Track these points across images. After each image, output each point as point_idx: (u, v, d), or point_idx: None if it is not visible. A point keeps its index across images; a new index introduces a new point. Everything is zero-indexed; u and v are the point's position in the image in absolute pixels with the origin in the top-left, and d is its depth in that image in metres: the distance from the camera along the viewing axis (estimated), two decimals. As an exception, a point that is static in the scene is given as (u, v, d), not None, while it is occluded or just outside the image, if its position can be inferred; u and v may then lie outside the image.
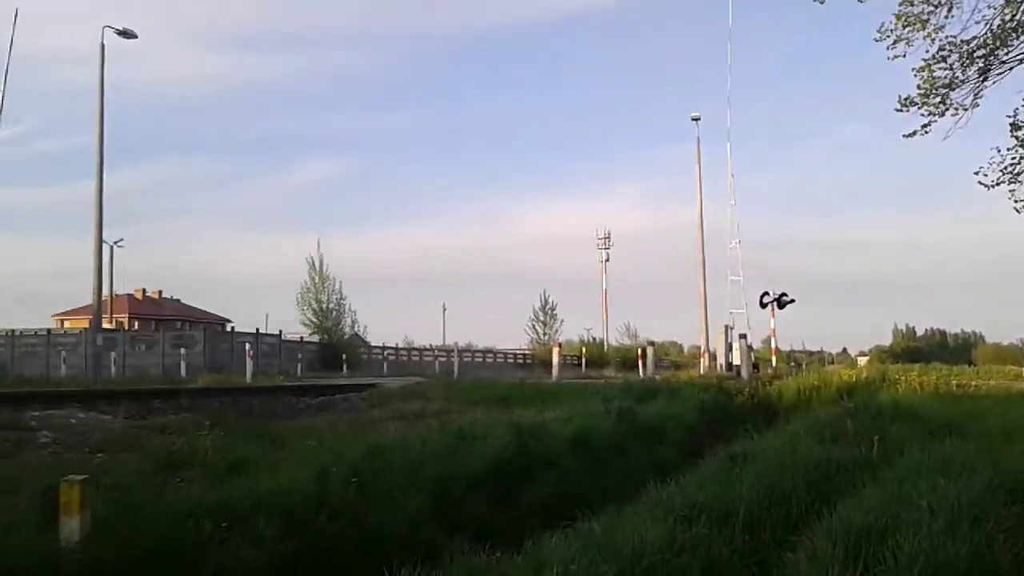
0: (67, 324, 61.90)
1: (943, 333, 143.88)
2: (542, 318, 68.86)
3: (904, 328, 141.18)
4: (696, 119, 42.32)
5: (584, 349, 56.34)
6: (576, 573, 4.69)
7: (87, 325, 40.50)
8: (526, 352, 66.33)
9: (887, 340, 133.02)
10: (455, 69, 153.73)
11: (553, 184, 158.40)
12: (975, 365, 53.03)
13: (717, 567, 5.40)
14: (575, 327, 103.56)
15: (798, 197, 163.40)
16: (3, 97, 27.92)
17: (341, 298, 50.68)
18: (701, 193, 42.20)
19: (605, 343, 69.14)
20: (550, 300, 69.42)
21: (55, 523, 5.75)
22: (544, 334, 67.69)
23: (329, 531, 6.97)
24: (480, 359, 59.05)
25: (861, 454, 9.27)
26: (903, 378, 19.43)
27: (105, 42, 29.10)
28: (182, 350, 35.04)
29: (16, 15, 28.03)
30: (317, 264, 50.24)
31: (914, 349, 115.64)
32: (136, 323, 68.91)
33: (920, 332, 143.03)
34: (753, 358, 31.05)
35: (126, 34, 29.49)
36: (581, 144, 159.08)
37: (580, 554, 5.18)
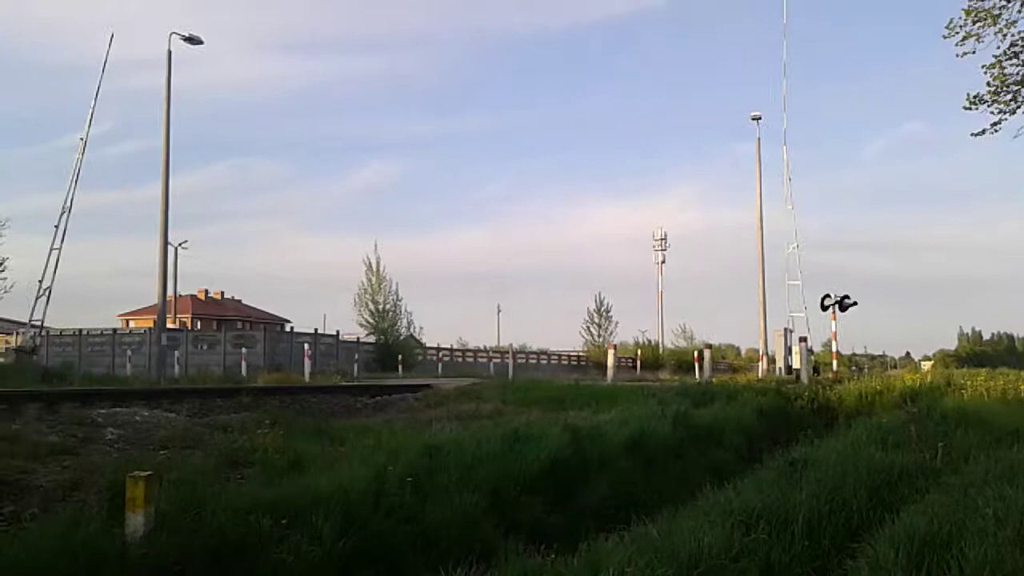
0: (132, 324, 63.50)
1: (1011, 337, 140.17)
2: (597, 320, 68.43)
3: (970, 332, 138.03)
4: (756, 118, 41.74)
5: (639, 351, 56.02)
6: (632, 576, 4.66)
7: (151, 325, 41.54)
8: (580, 354, 66.12)
9: (952, 344, 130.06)
10: (510, 72, 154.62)
11: (609, 185, 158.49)
12: (1045, 370, 51.53)
13: (775, 573, 5.32)
14: (630, 329, 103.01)
15: (860, 197, 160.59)
16: (93, 110, 29.12)
17: (397, 299, 51.09)
18: (761, 193, 41.64)
19: (660, 345, 68.66)
20: (605, 301, 69.00)
21: (121, 517, 5.90)
22: (599, 336, 67.25)
23: (386, 529, 7.04)
24: (534, 360, 59.05)
25: (925, 460, 9.08)
26: (969, 383, 18.92)
27: (172, 48, 29.81)
28: (243, 350, 35.69)
29: (111, 38, 29.25)
30: (374, 265, 50.74)
31: (980, 353, 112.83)
32: (199, 323, 70.46)
33: (987, 336, 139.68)
34: (813, 362, 30.58)
35: (192, 40, 30.13)
36: (637, 145, 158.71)
37: (636, 557, 5.15)
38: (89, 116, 29.84)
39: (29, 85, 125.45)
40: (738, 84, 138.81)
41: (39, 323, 33.55)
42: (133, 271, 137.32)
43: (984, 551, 4.91)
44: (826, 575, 5.43)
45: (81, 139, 32.40)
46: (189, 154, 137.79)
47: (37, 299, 32.54)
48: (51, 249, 32.52)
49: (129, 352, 37.03)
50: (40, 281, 32.88)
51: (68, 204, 32.44)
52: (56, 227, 32.43)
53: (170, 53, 29.70)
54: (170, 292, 47.16)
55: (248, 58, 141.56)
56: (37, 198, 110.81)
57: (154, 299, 31.44)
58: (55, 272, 32.56)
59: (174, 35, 29.69)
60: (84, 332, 43.33)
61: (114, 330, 46.28)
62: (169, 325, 41.74)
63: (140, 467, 6.33)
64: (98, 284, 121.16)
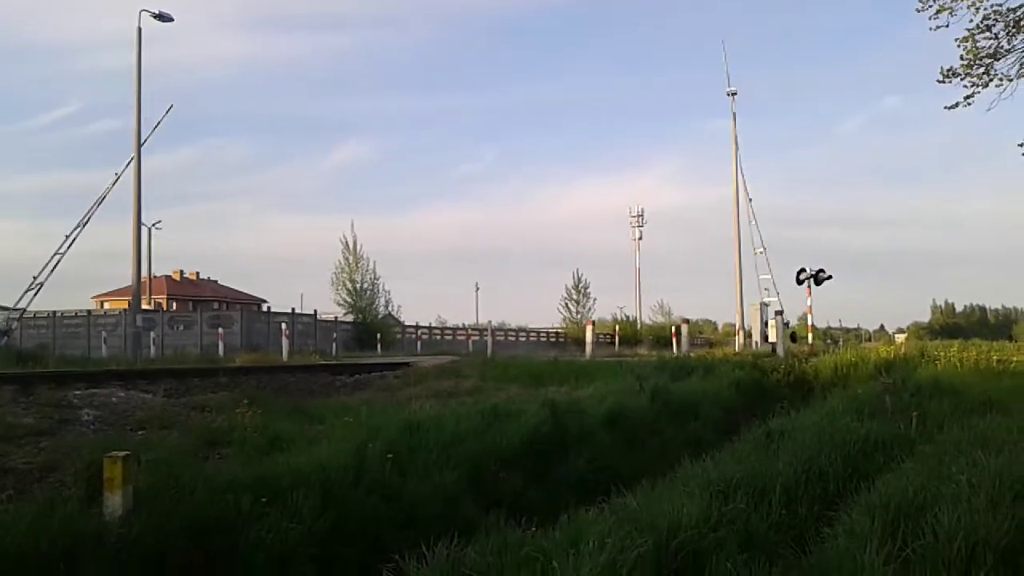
0: (107, 305, 63.00)
1: (983, 309, 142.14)
2: (575, 296, 68.45)
3: (943, 304, 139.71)
4: (732, 94, 41.72)
5: (617, 327, 55.99)
6: (612, 547, 4.68)
7: (126, 306, 41.16)
8: (559, 331, 66.20)
9: (925, 317, 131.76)
10: (488, 50, 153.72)
11: (586, 162, 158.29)
12: (1016, 341, 52.15)
13: (754, 542, 5.37)
14: (608, 305, 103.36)
15: (835, 172, 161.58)
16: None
17: (375, 278, 51.02)
18: (737, 169, 41.69)
19: (638, 321, 68.74)
20: (583, 278, 69.01)
21: (99, 498, 5.86)
22: (577, 312, 67.31)
23: (366, 506, 7.05)
24: (513, 338, 59.10)
25: (900, 430, 9.19)
26: (942, 354, 19.12)
27: (142, 26, 29.34)
28: (219, 330, 35.46)
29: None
30: (351, 244, 50.57)
31: (953, 325, 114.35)
32: (174, 304, 69.86)
33: (959, 308, 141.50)
34: (792, 330, 30.96)
35: (162, 17, 29.66)
36: (615, 122, 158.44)
37: (615, 528, 5.18)
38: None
39: (6, 65, 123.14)
40: (716, 60, 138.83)
41: (20, 310, 33.87)
42: (108, 253, 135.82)
43: (958, 517, 4.98)
44: (804, 543, 5.48)
45: (116, 174, 33.58)
46: (161, 134, 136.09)
47: (27, 291, 33.34)
48: (55, 254, 33.71)
49: (104, 334, 36.68)
50: (35, 277, 34.06)
51: (85, 220, 33.81)
52: (68, 236, 33.76)
53: (140, 31, 29.32)
54: (145, 273, 46.71)
55: (220, 36, 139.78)
56: (8, 179, 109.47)
57: (129, 280, 31.16)
58: (51, 272, 33.69)
59: (144, 12, 29.25)
60: (59, 314, 42.87)
61: (89, 312, 45.87)
62: (144, 306, 41.43)
63: (117, 448, 6.28)
64: (72, 265, 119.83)
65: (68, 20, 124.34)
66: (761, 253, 38.52)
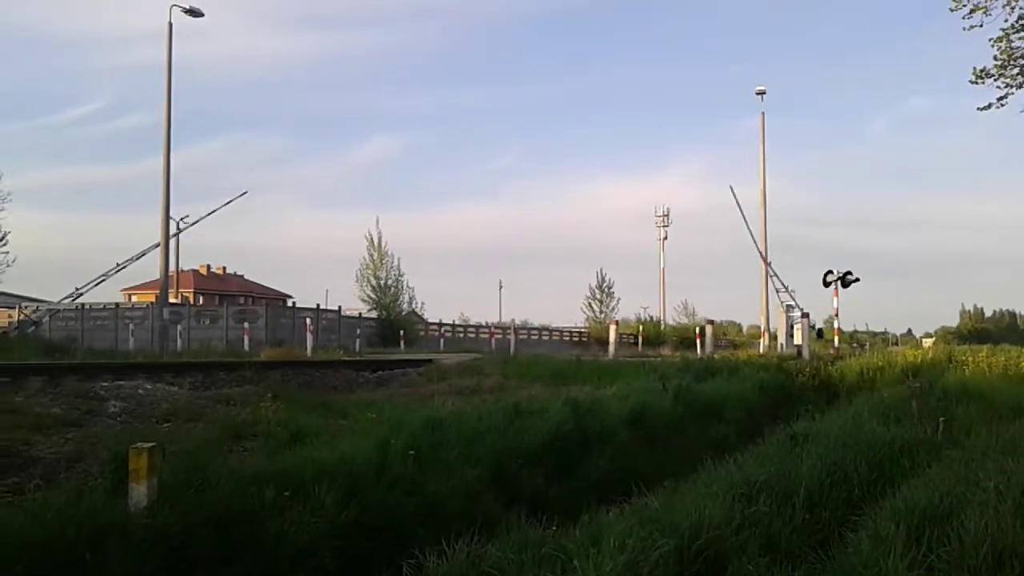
0: (135, 298, 63.57)
1: (1013, 315, 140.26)
2: (598, 296, 68.41)
3: (972, 309, 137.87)
4: (761, 93, 41.47)
5: (641, 327, 55.94)
6: (633, 547, 4.67)
7: (154, 299, 41.55)
8: (582, 330, 66.15)
9: (954, 321, 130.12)
10: (515, 47, 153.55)
11: (614, 161, 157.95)
12: (1046, 347, 51.45)
13: (777, 545, 5.34)
14: (632, 305, 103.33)
15: (864, 173, 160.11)
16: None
17: (399, 275, 51.13)
18: (764, 169, 41.46)
19: (662, 322, 68.62)
20: (607, 278, 68.93)
21: (124, 488, 5.92)
22: (600, 312, 67.26)
23: (388, 501, 7.07)
24: (536, 336, 59.08)
25: (926, 435, 9.09)
26: (970, 359, 18.90)
27: (173, 21, 29.59)
28: (245, 324, 35.73)
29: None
30: (376, 241, 50.71)
31: (982, 330, 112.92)
32: (201, 298, 70.48)
33: (988, 313, 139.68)
34: (817, 329, 30.77)
35: (193, 13, 29.93)
36: (642, 121, 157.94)
37: (637, 528, 5.16)
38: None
39: (31, 58, 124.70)
40: (744, 59, 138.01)
41: (55, 308, 35.24)
42: (137, 246, 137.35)
43: (984, 524, 4.92)
44: (827, 547, 5.43)
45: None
46: (190, 129, 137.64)
47: (68, 297, 35.12)
48: (102, 276, 37.47)
49: (132, 326, 37.01)
50: (78, 288, 38.09)
51: (138, 256, 36.75)
52: (119, 264, 38.28)
53: (171, 25, 29.54)
54: (172, 267, 47.13)
55: (250, 31, 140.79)
56: (38, 172, 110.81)
57: (157, 274, 31.46)
58: (94, 286, 37.06)
59: (175, 7, 29.51)
60: (87, 307, 43.35)
61: (117, 304, 46.29)
62: (172, 300, 41.79)
63: (143, 439, 6.33)
64: (102, 258, 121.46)
65: (99, 14, 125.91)
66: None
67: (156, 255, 30.59)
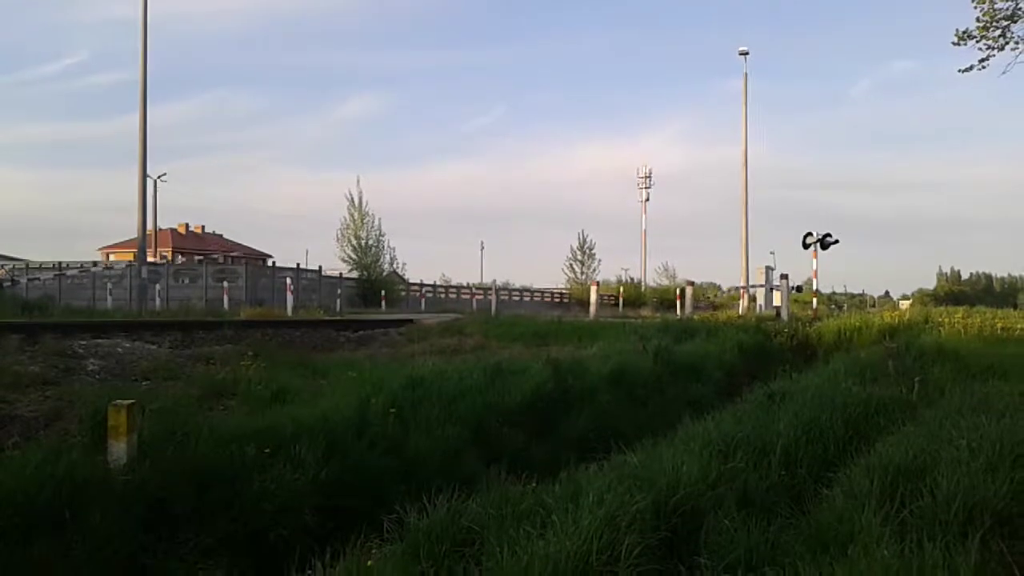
0: (112, 257, 63.10)
1: (989, 277, 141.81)
2: (580, 257, 68.59)
3: (949, 271, 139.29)
4: (744, 54, 41.37)
5: (622, 289, 56.07)
6: (611, 502, 4.72)
7: (132, 258, 41.20)
8: (563, 291, 66.34)
9: (931, 283, 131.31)
10: (500, 6, 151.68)
11: (596, 123, 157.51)
12: (1021, 309, 51.97)
13: (753, 500, 5.41)
14: (613, 267, 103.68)
15: (844, 135, 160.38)
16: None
17: (380, 235, 50.87)
18: (747, 130, 41.43)
19: (643, 283, 68.86)
20: (588, 239, 69.06)
21: (103, 446, 5.91)
22: (582, 273, 67.51)
23: (369, 459, 7.11)
24: (517, 297, 59.25)
25: (902, 394, 9.19)
26: (946, 321, 19.08)
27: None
28: (224, 284, 35.51)
29: None
30: (356, 200, 50.35)
31: (958, 293, 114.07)
32: (180, 257, 69.96)
33: (965, 276, 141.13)
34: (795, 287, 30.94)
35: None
36: (625, 82, 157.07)
37: (615, 484, 5.22)
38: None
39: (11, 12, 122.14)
40: (728, 20, 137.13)
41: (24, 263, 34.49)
42: (114, 205, 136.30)
43: (957, 480, 5.00)
44: (802, 503, 5.51)
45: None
46: (169, 85, 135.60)
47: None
48: None
49: (109, 285, 36.75)
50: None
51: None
52: None
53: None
54: (150, 226, 46.72)
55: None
56: (21, 129, 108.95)
57: (134, 233, 31.12)
58: None
59: (150, -40, 28.78)
60: (64, 264, 42.95)
61: (94, 263, 45.92)
62: (150, 259, 41.45)
63: (122, 397, 6.32)
64: (78, 216, 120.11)
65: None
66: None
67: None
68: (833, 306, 47.37)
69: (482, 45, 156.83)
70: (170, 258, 64.68)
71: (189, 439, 6.37)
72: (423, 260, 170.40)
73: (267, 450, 6.50)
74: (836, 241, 30.40)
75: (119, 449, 5.82)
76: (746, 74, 41.68)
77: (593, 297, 28.75)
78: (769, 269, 33.76)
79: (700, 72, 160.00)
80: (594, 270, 67.94)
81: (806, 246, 30.45)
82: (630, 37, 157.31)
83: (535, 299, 61.10)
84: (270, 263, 56.99)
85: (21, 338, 11.53)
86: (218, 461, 6.21)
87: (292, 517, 6.07)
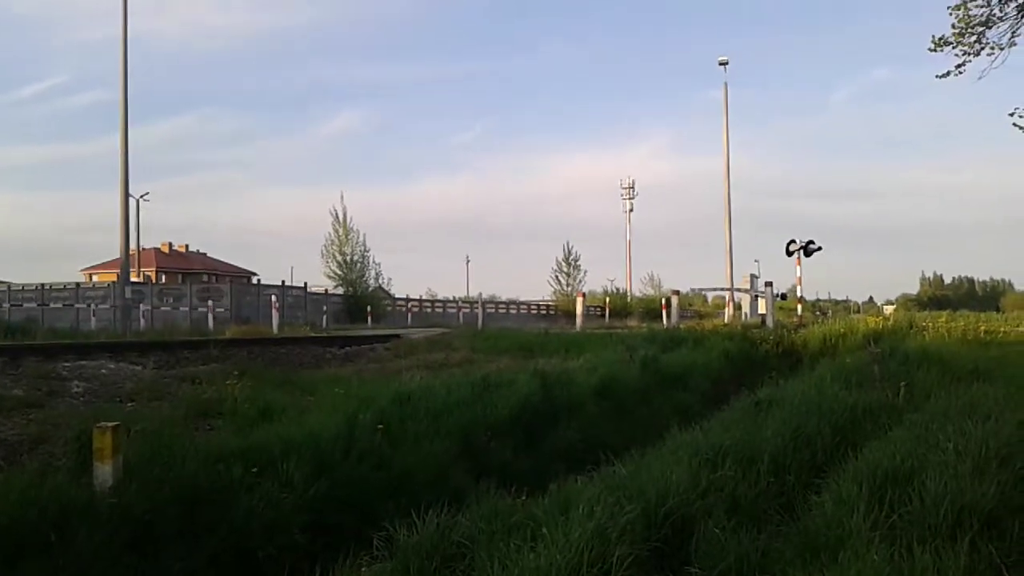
0: (96, 278, 62.62)
1: (971, 281, 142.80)
2: (565, 269, 68.55)
3: (931, 276, 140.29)
4: (724, 63, 41.62)
5: (608, 300, 56.14)
6: (601, 514, 4.72)
7: (115, 279, 40.94)
8: (549, 303, 66.32)
9: (914, 289, 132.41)
10: (480, 19, 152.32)
11: (580, 135, 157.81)
12: (1003, 312, 52.39)
13: (742, 508, 5.42)
14: (599, 278, 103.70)
15: (825, 143, 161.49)
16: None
17: (365, 250, 50.85)
18: (728, 139, 41.67)
19: (629, 294, 69.01)
20: (573, 251, 69.07)
21: (89, 468, 5.86)
22: (567, 285, 67.46)
23: (357, 475, 7.07)
24: (504, 310, 59.20)
25: (887, 399, 9.24)
26: (930, 325, 19.24)
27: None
28: (209, 303, 35.22)
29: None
30: (341, 217, 50.32)
31: (942, 297, 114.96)
32: (163, 276, 69.63)
33: (948, 280, 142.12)
34: (780, 293, 31.08)
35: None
36: (608, 94, 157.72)
37: (605, 495, 5.22)
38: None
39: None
40: (708, 30, 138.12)
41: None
42: (97, 226, 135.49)
43: (944, 483, 5.02)
44: (792, 510, 5.52)
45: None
46: (152, 104, 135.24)
47: None
48: None
49: (93, 306, 36.44)
50: None
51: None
52: None
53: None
54: (133, 246, 46.49)
55: (211, 5, 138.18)
56: (3, 151, 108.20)
57: (117, 253, 30.95)
58: None
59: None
60: (47, 286, 42.59)
61: (77, 284, 45.53)
62: (133, 279, 41.24)
63: (107, 418, 6.27)
64: (61, 238, 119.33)
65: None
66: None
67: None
68: (818, 312, 47.56)
69: (465, 59, 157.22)
70: (154, 278, 64.44)
71: (175, 460, 6.32)
72: (409, 275, 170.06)
73: (254, 469, 6.45)
74: (819, 248, 30.61)
75: (105, 471, 5.76)
76: (726, 84, 41.99)
77: (579, 308, 28.82)
78: (754, 277, 33.95)
79: (684, 82, 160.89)
80: (580, 281, 68.00)
81: (789, 253, 30.64)
82: (612, 49, 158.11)
83: (522, 312, 61.07)
84: (255, 281, 56.83)
85: (4, 361, 11.42)
86: (205, 481, 6.16)
87: (281, 535, 6.03)
